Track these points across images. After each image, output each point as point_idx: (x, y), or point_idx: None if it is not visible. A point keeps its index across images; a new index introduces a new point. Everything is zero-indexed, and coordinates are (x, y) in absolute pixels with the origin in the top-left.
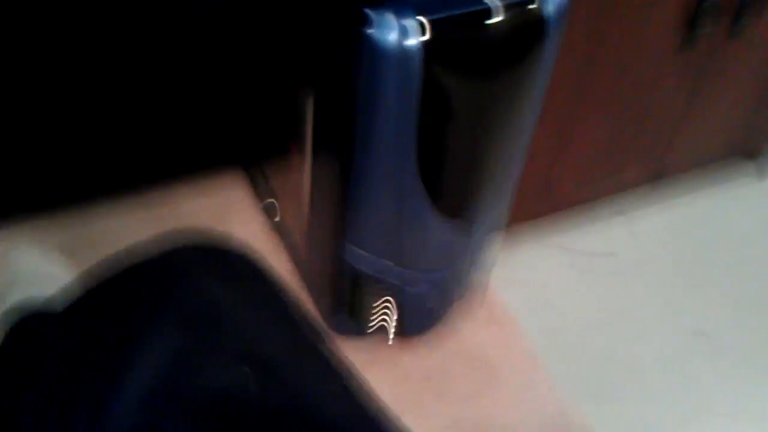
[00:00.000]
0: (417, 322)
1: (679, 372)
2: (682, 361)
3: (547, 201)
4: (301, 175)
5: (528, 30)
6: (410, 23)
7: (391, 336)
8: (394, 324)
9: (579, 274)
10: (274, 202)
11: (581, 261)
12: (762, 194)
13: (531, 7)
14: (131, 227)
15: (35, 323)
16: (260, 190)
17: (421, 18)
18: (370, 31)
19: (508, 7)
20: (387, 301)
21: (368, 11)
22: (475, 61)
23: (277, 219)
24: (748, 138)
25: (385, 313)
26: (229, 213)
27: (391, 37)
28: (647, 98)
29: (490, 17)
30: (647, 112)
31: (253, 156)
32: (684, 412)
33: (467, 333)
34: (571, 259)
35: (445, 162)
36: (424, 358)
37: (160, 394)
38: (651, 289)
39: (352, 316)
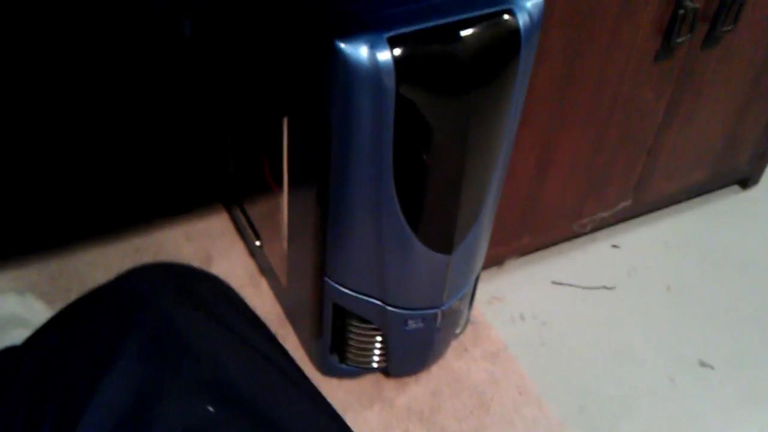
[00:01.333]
0: (409, 361)
1: (682, 405)
2: (686, 393)
3: (536, 231)
4: (280, 208)
5: (502, 42)
6: (381, 40)
7: (382, 375)
8: (384, 364)
9: (576, 308)
10: (257, 237)
11: (578, 295)
12: (749, 206)
13: (505, 18)
14: (111, 264)
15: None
16: (241, 224)
17: (392, 33)
18: (341, 48)
19: (481, 19)
20: (376, 340)
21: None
22: (449, 76)
23: (259, 254)
24: (730, 149)
25: (375, 353)
26: (211, 249)
27: (363, 54)
28: (627, 111)
29: (463, 30)
30: (628, 125)
31: (232, 190)
32: None
33: (462, 371)
34: (567, 294)
35: (424, 185)
36: (418, 397)
37: None
38: (651, 320)
39: (340, 357)
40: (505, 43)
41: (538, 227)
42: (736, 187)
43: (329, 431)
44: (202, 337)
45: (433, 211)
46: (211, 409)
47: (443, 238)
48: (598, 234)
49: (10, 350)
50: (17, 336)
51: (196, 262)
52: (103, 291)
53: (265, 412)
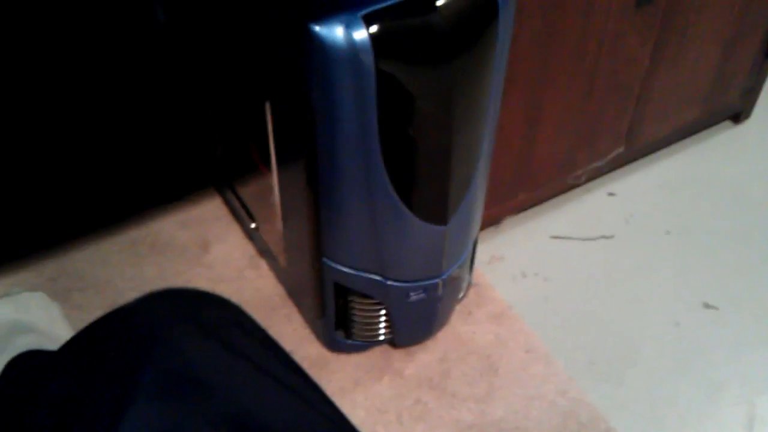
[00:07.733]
0: (414, 331)
1: (689, 349)
2: (691, 337)
3: (531, 188)
4: (271, 191)
5: (479, 6)
6: (355, 18)
7: (389, 346)
8: (390, 335)
9: (577, 261)
10: (251, 219)
11: (578, 247)
12: (743, 141)
13: None
14: (110, 256)
15: (30, 362)
16: (235, 208)
17: (366, 11)
18: (316, 32)
19: None
20: (380, 314)
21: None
22: (428, 47)
23: (256, 236)
24: (720, 85)
25: (380, 326)
26: (207, 234)
27: (338, 35)
28: (612, 60)
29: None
30: (614, 73)
31: (223, 174)
32: (697, 389)
33: (468, 335)
34: (567, 247)
35: (413, 159)
36: (426, 365)
37: None
38: (653, 265)
39: (346, 333)
40: (482, 7)
41: (533, 183)
42: (728, 123)
43: None
44: (217, 369)
45: (425, 183)
46: None
47: (437, 209)
48: (593, 184)
49: (35, 354)
50: (22, 343)
51: (193, 249)
52: (114, 321)
53: None
